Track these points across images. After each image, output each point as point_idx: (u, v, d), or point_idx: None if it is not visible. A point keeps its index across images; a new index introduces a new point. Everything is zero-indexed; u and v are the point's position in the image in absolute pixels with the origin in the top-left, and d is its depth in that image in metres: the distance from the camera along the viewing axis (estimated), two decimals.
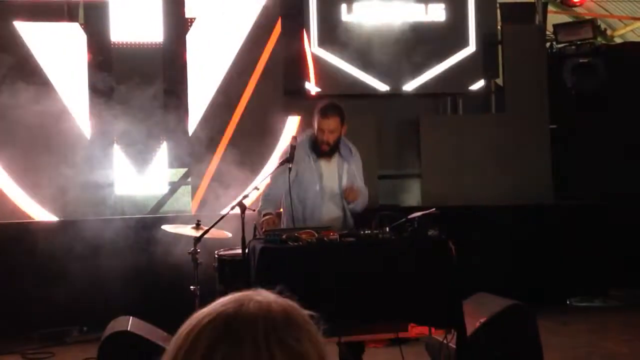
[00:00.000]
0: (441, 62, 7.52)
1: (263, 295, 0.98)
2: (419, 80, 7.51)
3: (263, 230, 4.10)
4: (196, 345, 0.91)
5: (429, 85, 7.54)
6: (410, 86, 7.52)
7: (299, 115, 6.99)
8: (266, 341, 0.90)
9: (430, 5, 7.54)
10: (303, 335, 0.93)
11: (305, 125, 6.89)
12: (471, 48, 7.60)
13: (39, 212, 6.47)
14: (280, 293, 1.00)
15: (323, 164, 4.35)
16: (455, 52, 7.57)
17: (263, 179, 4.45)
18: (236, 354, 0.89)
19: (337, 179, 4.35)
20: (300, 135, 4.55)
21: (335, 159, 4.37)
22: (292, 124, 7.03)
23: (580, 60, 7.82)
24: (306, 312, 0.98)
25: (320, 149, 4.30)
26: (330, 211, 4.35)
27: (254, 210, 4.35)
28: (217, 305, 0.96)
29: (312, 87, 7.28)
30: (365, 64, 7.33)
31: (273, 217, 4.27)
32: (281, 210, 4.46)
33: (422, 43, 7.43)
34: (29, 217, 6.43)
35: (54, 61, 6.58)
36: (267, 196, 4.38)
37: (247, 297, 0.97)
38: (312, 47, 7.26)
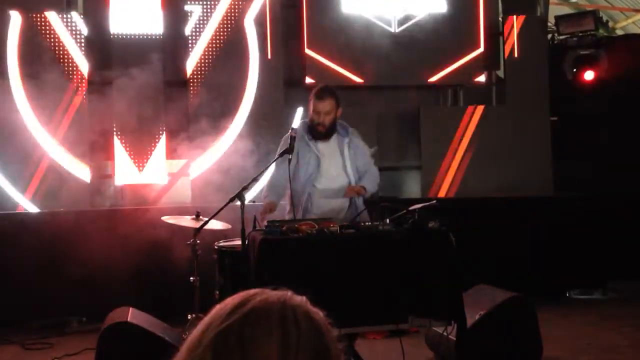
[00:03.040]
0: (447, 57, 7.50)
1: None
2: (422, 72, 7.49)
3: (261, 215, 4.13)
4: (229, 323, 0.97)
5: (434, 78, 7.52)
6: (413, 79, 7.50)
7: (299, 106, 6.99)
8: (294, 314, 0.96)
9: None
10: (322, 324, 1.01)
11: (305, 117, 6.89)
12: (479, 48, 7.54)
13: (39, 204, 6.47)
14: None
15: (322, 146, 4.41)
16: (460, 48, 7.52)
17: (263, 170, 4.44)
18: (265, 328, 0.94)
19: (340, 156, 4.40)
20: (295, 126, 4.56)
21: (334, 138, 4.43)
22: (292, 115, 7.03)
23: (582, 52, 7.80)
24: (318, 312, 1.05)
25: (317, 130, 4.38)
26: (336, 192, 4.37)
27: (253, 202, 4.35)
28: (235, 296, 1.02)
29: (311, 80, 7.26)
30: (363, 57, 7.30)
31: (273, 203, 4.29)
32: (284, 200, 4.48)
33: (426, 36, 7.41)
34: (28, 208, 6.43)
35: (53, 52, 6.57)
36: (271, 184, 4.43)
37: (262, 290, 1.03)
38: (306, 44, 7.23)
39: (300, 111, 7.04)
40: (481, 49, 7.55)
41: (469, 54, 7.53)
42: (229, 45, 6.95)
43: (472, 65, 7.55)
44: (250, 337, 0.93)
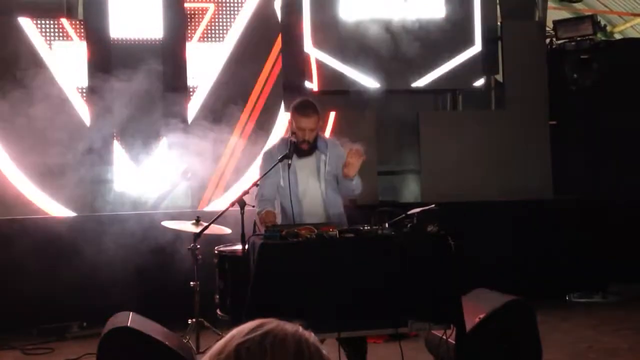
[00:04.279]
0: (443, 59, 7.53)
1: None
2: (420, 77, 7.52)
3: (263, 224, 4.10)
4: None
5: (432, 81, 7.54)
6: (411, 83, 7.52)
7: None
8: (307, 344, 1.04)
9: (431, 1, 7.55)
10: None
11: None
12: (476, 47, 7.61)
13: (39, 208, 6.48)
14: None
15: (300, 163, 4.30)
16: (458, 49, 7.56)
17: (263, 175, 4.44)
18: (283, 348, 1.03)
19: (316, 173, 4.33)
20: (273, 144, 4.46)
21: (313, 155, 4.33)
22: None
23: (580, 57, 7.82)
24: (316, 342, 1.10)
25: (300, 147, 4.26)
26: (312, 209, 4.31)
27: (253, 207, 4.36)
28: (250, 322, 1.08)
29: (311, 85, 7.29)
30: (363, 61, 7.33)
31: (271, 212, 4.26)
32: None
33: (423, 40, 7.44)
34: (28, 213, 6.43)
35: (54, 57, 6.59)
36: (262, 197, 4.33)
37: (275, 319, 1.09)
38: (307, 46, 7.25)
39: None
40: (482, 55, 7.57)
41: (469, 59, 7.57)
42: (231, 49, 6.97)
43: (472, 70, 7.59)
44: (270, 351, 1.02)
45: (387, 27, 7.37)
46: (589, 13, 9.95)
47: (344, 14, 7.37)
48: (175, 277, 5.65)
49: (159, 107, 6.64)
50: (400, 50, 7.38)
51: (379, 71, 7.38)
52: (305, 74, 7.24)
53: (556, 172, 7.58)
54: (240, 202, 4.06)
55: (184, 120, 6.75)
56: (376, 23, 7.37)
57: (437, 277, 3.80)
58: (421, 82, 7.57)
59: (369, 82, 7.43)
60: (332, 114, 7.11)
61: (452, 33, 7.56)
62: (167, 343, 4.19)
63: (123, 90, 6.32)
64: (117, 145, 6.63)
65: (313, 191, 4.33)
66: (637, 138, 7.77)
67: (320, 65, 7.30)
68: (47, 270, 5.96)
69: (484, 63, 7.69)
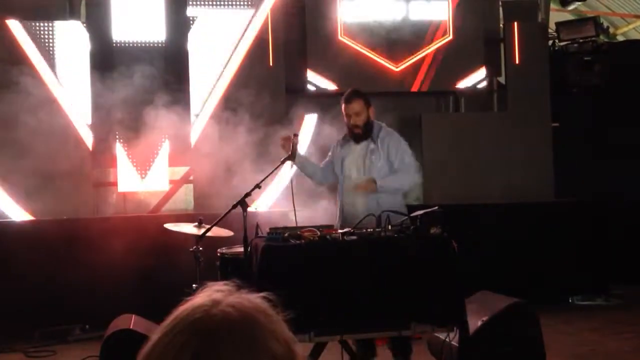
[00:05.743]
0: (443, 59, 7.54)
1: (230, 300, 0.99)
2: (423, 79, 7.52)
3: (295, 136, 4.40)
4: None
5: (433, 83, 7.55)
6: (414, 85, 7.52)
7: (299, 113, 7.00)
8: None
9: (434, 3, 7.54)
10: (268, 337, 0.95)
11: (304, 123, 6.90)
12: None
13: (39, 211, 6.48)
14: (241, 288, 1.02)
15: (351, 148, 4.53)
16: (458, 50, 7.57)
17: (265, 177, 4.44)
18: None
19: (362, 159, 4.47)
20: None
21: (365, 141, 4.49)
22: (294, 122, 7.03)
23: (583, 58, 7.81)
24: (270, 308, 0.99)
25: (354, 133, 4.47)
26: (356, 196, 4.46)
27: (255, 209, 4.36)
28: (184, 313, 0.98)
29: (312, 88, 7.29)
30: (366, 64, 7.34)
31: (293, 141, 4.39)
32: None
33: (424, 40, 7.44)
34: (29, 216, 6.44)
35: (56, 60, 6.60)
36: (324, 167, 4.66)
37: (211, 303, 0.98)
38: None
39: (307, 118, 7.04)
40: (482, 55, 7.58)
41: (468, 61, 7.57)
42: (232, 53, 6.98)
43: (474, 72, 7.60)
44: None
45: (389, 29, 7.37)
46: (592, 15, 9.94)
47: (346, 18, 7.36)
48: (177, 279, 5.63)
49: (162, 109, 6.63)
50: (402, 52, 7.38)
51: (379, 73, 7.37)
52: (307, 77, 7.24)
53: (558, 174, 7.57)
54: (243, 204, 4.06)
55: (187, 122, 6.75)
56: (378, 26, 7.37)
57: (440, 280, 3.79)
58: (424, 85, 7.56)
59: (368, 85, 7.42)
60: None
61: (454, 35, 7.56)
62: None
63: (125, 92, 6.32)
64: (119, 147, 6.62)
65: (358, 177, 4.49)
66: (639, 140, 7.76)
67: (322, 69, 7.30)
68: (50, 272, 5.96)
69: (486, 65, 7.68)
